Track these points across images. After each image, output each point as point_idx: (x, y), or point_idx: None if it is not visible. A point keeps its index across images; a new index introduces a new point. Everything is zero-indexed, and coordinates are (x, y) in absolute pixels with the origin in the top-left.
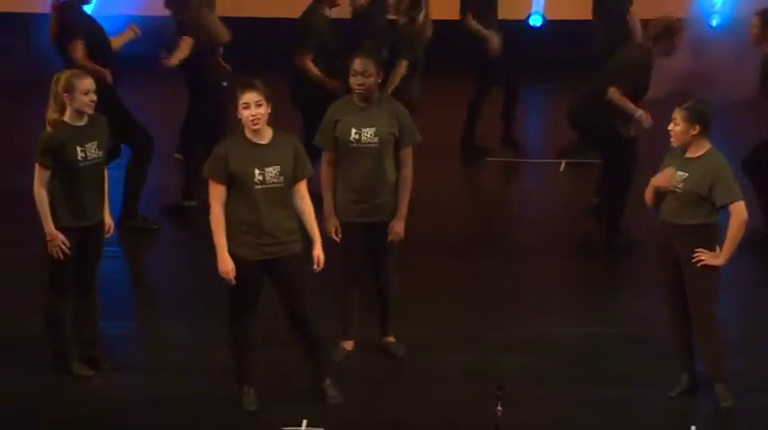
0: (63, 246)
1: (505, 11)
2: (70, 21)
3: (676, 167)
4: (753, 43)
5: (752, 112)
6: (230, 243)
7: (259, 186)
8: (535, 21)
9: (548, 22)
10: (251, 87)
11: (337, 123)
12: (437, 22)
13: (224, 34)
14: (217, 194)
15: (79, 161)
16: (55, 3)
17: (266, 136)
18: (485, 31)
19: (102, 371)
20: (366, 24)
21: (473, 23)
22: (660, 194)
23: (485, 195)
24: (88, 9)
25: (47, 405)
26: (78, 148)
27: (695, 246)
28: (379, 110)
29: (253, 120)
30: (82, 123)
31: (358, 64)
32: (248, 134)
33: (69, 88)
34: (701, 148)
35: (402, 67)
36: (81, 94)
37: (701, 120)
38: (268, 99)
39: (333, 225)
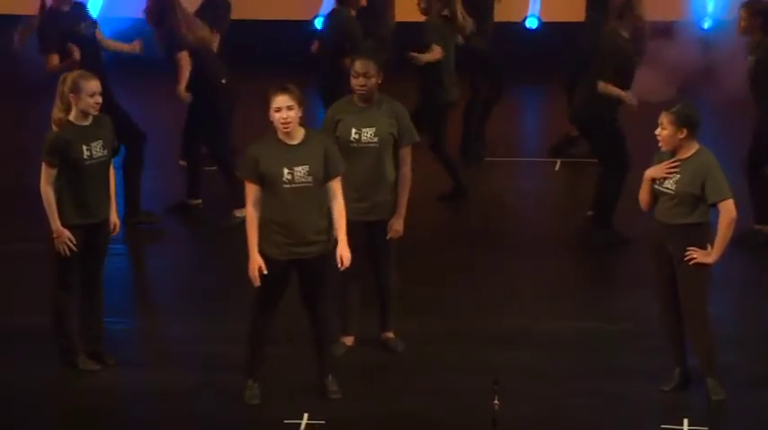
0: (69, 243)
1: (501, 13)
2: (49, 32)
3: None
4: (741, 34)
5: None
6: (262, 242)
7: (288, 185)
8: (531, 23)
9: (543, 25)
10: (283, 91)
11: (338, 123)
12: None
13: (210, 38)
14: (250, 194)
15: (85, 160)
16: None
17: (297, 136)
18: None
19: (107, 366)
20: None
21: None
22: (654, 195)
23: (482, 194)
24: (94, 11)
25: (53, 398)
26: (84, 148)
27: (687, 244)
28: (378, 110)
29: (284, 123)
30: (87, 123)
31: (359, 65)
32: (280, 136)
33: (76, 89)
34: (689, 150)
35: (436, 52)
36: (87, 95)
37: (688, 123)
38: (300, 102)
39: None
